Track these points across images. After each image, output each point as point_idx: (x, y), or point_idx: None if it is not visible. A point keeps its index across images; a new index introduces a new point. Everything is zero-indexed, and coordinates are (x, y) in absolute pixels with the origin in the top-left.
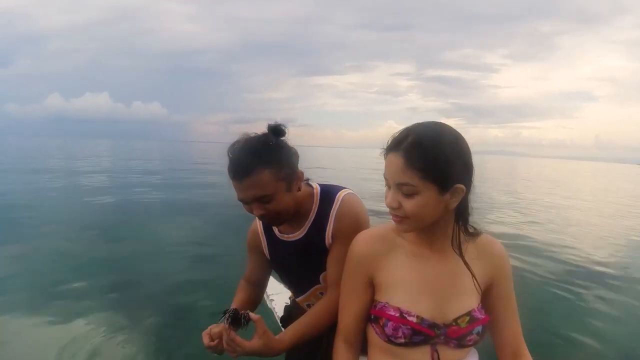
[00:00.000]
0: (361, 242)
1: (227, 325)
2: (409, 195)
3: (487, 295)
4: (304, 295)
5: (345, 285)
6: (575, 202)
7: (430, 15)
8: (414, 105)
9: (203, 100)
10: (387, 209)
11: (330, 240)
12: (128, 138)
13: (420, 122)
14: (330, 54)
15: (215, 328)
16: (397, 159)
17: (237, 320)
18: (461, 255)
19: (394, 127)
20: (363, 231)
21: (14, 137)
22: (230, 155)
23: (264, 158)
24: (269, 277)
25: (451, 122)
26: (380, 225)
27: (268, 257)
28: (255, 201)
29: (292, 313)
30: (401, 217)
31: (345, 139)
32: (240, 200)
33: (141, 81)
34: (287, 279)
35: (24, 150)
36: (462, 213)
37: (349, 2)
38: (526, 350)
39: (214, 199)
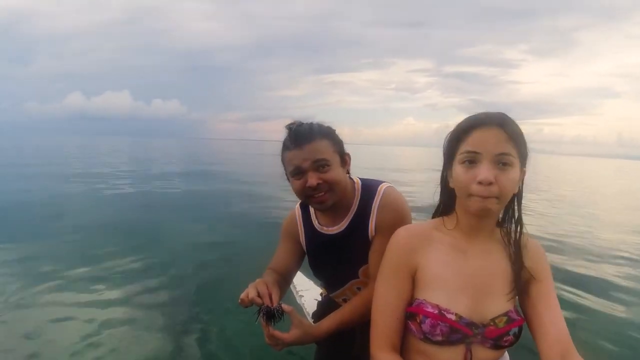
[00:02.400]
0: (402, 236)
1: (264, 322)
2: (506, 167)
3: (527, 294)
4: (340, 290)
5: (384, 282)
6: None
7: (448, 11)
8: (433, 102)
9: (221, 98)
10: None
11: (373, 233)
12: (148, 136)
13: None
14: (347, 51)
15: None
16: (498, 131)
17: (272, 315)
18: (515, 244)
19: (413, 123)
20: (402, 227)
21: (34, 135)
22: (291, 128)
23: (322, 131)
24: (297, 271)
25: None
26: (418, 223)
27: (304, 248)
28: (313, 167)
29: (325, 308)
30: (493, 197)
31: (363, 136)
32: (297, 168)
33: (160, 79)
34: (323, 273)
35: (43, 150)
36: (518, 196)
37: None
38: (575, 350)
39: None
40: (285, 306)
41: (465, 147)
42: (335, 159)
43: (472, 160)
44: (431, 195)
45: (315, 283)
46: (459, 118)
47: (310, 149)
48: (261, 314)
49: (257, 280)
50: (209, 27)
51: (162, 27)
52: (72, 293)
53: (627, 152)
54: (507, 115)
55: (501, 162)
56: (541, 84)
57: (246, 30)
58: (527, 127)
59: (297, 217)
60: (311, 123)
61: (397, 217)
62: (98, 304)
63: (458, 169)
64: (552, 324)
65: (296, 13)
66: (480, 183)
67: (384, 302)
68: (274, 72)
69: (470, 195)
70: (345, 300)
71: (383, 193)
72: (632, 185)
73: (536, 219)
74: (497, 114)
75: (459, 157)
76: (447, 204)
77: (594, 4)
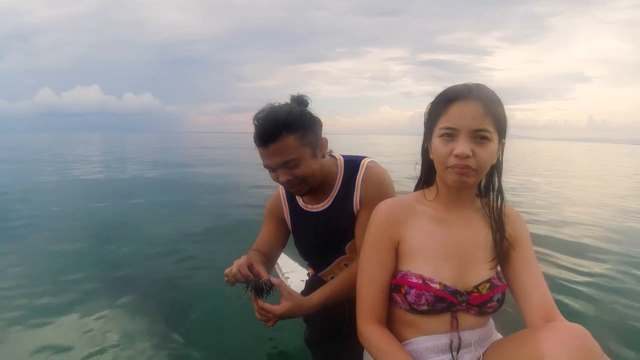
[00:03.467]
0: (383, 209)
1: (253, 296)
2: (483, 142)
3: (508, 261)
4: (328, 268)
5: (368, 256)
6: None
7: (421, 0)
8: (408, 90)
9: (196, 91)
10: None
11: (358, 207)
12: (120, 130)
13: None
14: (323, 41)
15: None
16: (475, 106)
17: (260, 289)
18: (497, 213)
19: (389, 112)
20: (383, 201)
21: (5, 133)
22: (256, 123)
23: (288, 124)
24: (281, 252)
25: None
26: (399, 196)
27: (290, 227)
28: (281, 166)
29: (314, 287)
30: (468, 169)
31: (340, 125)
32: (267, 166)
33: (132, 73)
34: (309, 252)
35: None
36: (497, 169)
37: None
38: (559, 313)
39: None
40: (273, 279)
41: (444, 122)
42: (304, 153)
43: (450, 135)
44: (410, 177)
45: (301, 264)
46: None
47: (276, 148)
48: (249, 288)
49: (242, 257)
50: (182, 18)
51: (133, 19)
52: (31, 296)
53: (598, 135)
54: (485, 88)
55: (478, 137)
56: (515, 70)
57: (220, 21)
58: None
59: (282, 196)
60: (279, 112)
61: (381, 190)
62: (61, 307)
63: (436, 142)
64: (535, 288)
65: (271, 2)
66: (457, 156)
67: (369, 276)
68: (250, 63)
69: (447, 167)
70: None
71: (366, 167)
72: (598, 166)
73: (510, 196)
74: (475, 86)
75: (437, 131)
76: (427, 176)
77: None
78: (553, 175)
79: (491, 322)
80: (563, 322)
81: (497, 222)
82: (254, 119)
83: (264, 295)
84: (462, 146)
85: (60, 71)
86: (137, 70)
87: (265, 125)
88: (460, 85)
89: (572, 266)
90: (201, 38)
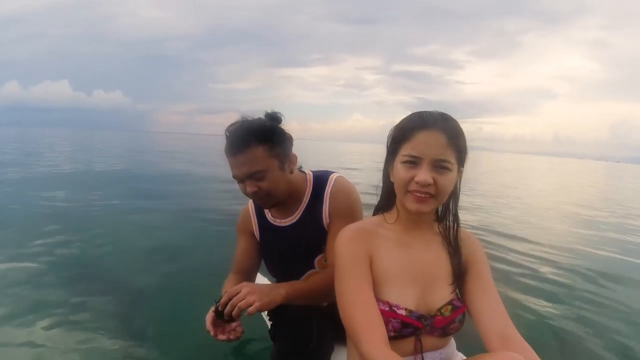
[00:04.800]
0: (352, 230)
1: (216, 307)
2: (444, 171)
3: (465, 282)
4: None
5: (348, 276)
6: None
7: (399, 10)
8: (380, 99)
9: (168, 89)
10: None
11: (328, 220)
12: (89, 127)
13: (429, 110)
14: (298, 46)
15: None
16: (439, 136)
17: (219, 312)
18: (454, 238)
19: (360, 120)
20: (347, 225)
21: None
22: (227, 134)
23: (258, 135)
24: (258, 266)
25: None
26: (359, 221)
27: (258, 241)
28: (248, 177)
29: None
30: (429, 195)
31: (312, 131)
32: (235, 176)
33: (103, 69)
34: (278, 267)
35: None
36: (454, 195)
37: None
38: (515, 331)
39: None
40: (223, 299)
41: (408, 148)
42: (272, 165)
43: (412, 162)
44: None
45: (271, 280)
46: (405, 115)
47: (244, 159)
48: (215, 306)
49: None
50: (157, 14)
51: (107, 13)
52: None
53: (563, 150)
54: (449, 118)
55: (440, 166)
56: (485, 85)
57: (196, 20)
58: (468, 126)
59: (250, 210)
60: (249, 125)
61: (350, 202)
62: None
63: (399, 167)
64: (491, 307)
65: (248, 4)
66: (417, 183)
67: (359, 297)
68: (224, 64)
69: (407, 192)
70: None
71: (334, 181)
72: (561, 180)
73: (470, 211)
74: (439, 115)
75: (400, 156)
76: (388, 198)
77: (537, 9)
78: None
79: (452, 341)
80: (503, 352)
81: (454, 246)
82: (225, 131)
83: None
84: (423, 174)
85: (29, 64)
86: (108, 67)
87: (235, 135)
88: (426, 113)
89: (527, 280)
90: (176, 36)
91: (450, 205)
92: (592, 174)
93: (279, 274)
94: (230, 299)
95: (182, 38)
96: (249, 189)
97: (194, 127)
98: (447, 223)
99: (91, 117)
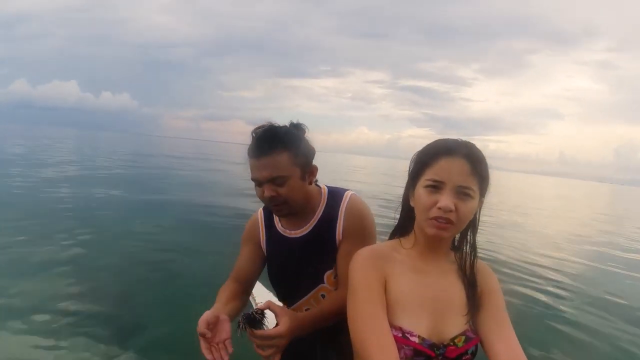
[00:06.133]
0: (367, 252)
1: (249, 330)
2: (466, 199)
3: (478, 314)
4: (304, 299)
5: (363, 299)
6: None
7: (408, 26)
8: (387, 113)
9: (174, 94)
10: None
11: (340, 237)
12: (94, 128)
13: (453, 137)
14: (306, 57)
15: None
16: (463, 163)
17: (254, 320)
18: (470, 268)
19: (366, 133)
20: (362, 248)
21: None
22: (254, 135)
23: (285, 141)
24: (258, 276)
25: (422, 132)
26: (375, 245)
27: (265, 252)
28: (268, 181)
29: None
30: (449, 223)
31: (317, 141)
32: (255, 179)
33: (111, 71)
34: (284, 281)
35: None
36: (473, 224)
37: (329, 6)
38: None
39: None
40: (261, 305)
41: (431, 173)
42: (294, 173)
43: (435, 187)
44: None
45: (280, 292)
46: (411, 130)
47: (267, 162)
48: (242, 324)
49: (205, 313)
50: (166, 20)
51: (117, 17)
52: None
53: (568, 170)
54: (473, 146)
55: (462, 193)
56: (491, 103)
57: (204, 27)
58: (474, 143)
59: (259, 219)
60: (277, 129)
61: (364, 223)
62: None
63: (421, 191)
64: (505, 341)
65: (257, 14)
66: (440, 209)
67: (373, 320)
68: (230, 72)
69: (428, 218)
70: (308, 310)
71: (350, 199)
72: (568, 201)
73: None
74: (464, 144)
75: (423, 181)
76: (405, 223)
77: (546, 30)
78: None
79: None
80: None
81: (470, 276)
82: (252, 132)
83: (260, 326)
84: (446, 200)
85: (38, 63)
86: (117, 70)
87: (262, 138)
88: (451, 140)
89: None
90: (184, 42)
91: (468, 235)
92: (613, 199)
93: (285, 287)
94: (259, 310)
95: (190, 45)
96: (267, 193)
97: (199, 132)
98: (464, 252)
99: (98, 118)
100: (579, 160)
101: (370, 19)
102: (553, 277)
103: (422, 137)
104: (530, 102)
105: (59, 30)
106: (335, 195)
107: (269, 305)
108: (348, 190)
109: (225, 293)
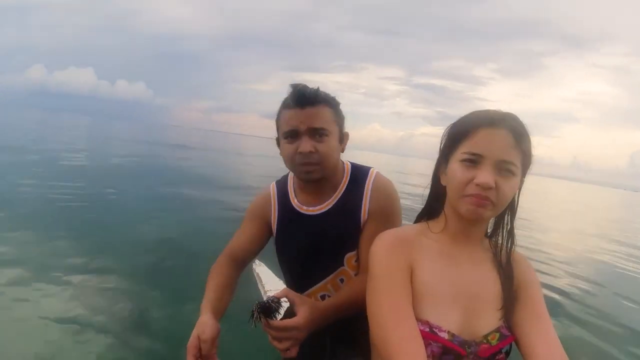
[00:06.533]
0: (389, 238)
1: (265, 320)
2: (508, 175)
3: (514, 309)
4: (320, 283)
5: (385, 289)
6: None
7: (424, 24)
8: (400, 110)
9: (189, 85)
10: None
11: (366, 217)
12: (110, 117)
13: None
14: (321, 52)
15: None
16: (507, 136)
17: (270, 309)
18: (507, 257)
19: (378, 129)
20: (385, 231)
21: None
22: (296, 86)
23: (328, 98)
24: (254, 258)
25: (435, 131)
26: (400, 228)
27: (274, 231)
28: (309, 133)
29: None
30: (489, 201)
31: None
32: (292, 130)
33: (127, 60)
34: (299, 263)
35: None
36: (511, 206)
37: (344, 2)
38: None
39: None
40: (277, 293)
41: (469, 146)
42: (334, 131)
43: (473, 161)
44: None
45: (292, 277)
46: (424, 128)
47: (312, 112)
48: (256, 313)
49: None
50: (182, 12)
51: (133, 7)
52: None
53: (581, 175)
54: (519, 119)
55: (504, 169)
56: (506, 103)
57: (219, 20)
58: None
59: (272, 195)
60: (318, 88)
61: (392, 203)
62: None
63: (455, 166)
64: (545, 340)
65: (272, 9)
66: (478, 185)
67: (397, 311)
68: (244, 65)
69: (464, 196)
70: (324, 297)
71: (375, 177)
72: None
73: None
74: (509, 115)
75: (459, 154)
76: (434, 205)
77: (563, 32)
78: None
79: None
80: None
81: (506, 268)
82: (290, 85)
83: (276, 315)
84: (486, 175)
85: (55, 50)
86: (132, 59)
87: (306, 89)
88: (492, 110)
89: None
90: (198, 35)
91: (506, 219)
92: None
93: (299, 271)
94: (275, 299)
95: (203, 37)
96: (304, 147)
97: (211, 124)
98: (501, 240)
99: (113, 106)
100: (592, 165)
101: (386, 16)
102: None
103: (435, 135)
104: (544, 105)
105: (76, 18)
106: (359, 171)
107: (287, 294)
108: (372, 167)
109: (220, 278)
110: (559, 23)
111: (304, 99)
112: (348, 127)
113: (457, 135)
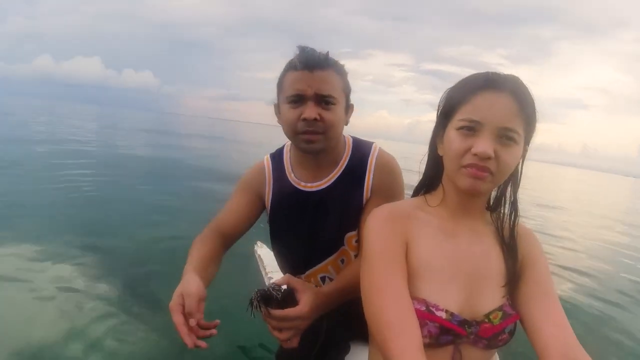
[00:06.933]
0: (386, 212)
1: (265, 310)
2: (509, 144)
3: (518, 286)
4: (320, 265)
5: (378, 267)
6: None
7: (432, 10)
8: (408, 98)
9: (196, 74)
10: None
11: (369, 194)
12: (117, 106)
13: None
14: (328, 38)
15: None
16: (507, 100)
17: (270, 297)
18: (510, 231)
19: (385, 117)
20: (380, 206)
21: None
22: (304, 48)
23: (338, 64)
24: (241, 235)
25: None
26: (395, 202)
27: (268, 208)
28: (316, 99)
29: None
30: (487, 172)
31: None
32: (298, 95)
33: (134, 48)
34: (295, 243)
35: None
36: (514, 178)
37: None
38: (583, 351)
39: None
40: (278, 280)
41: (466, 112)
42: (341, 100)
43: (471, 128)
44: None
45: (289, 259)
46: (431, 115)
47: (320, 76)
48: (256, 302)
49: (183, 287)
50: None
51: None
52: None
53: (590, 163)
54: (521, 82)
55: (505, 137)
56: None
57: (227, 7)
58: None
59: (266, 168)
60: (328, 52)
61: (396, 180)
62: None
63: (452, 135)
64: (552, 319)
65: None
66: (475, 155)
67: (392, 292)
68: (252, 53)
69: (461, 167)
70: (324, 280)
71: (379, 152)
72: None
73: None
74: (511, 77)
75: (456, 121)
76: (432, 176)
77: (574, 18)
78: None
79: (496, 356)
80: None
81: (510, 242)
82: (298, 46)
83: (277, 303)
84: (484, 144)
85: (62, 39)
86: (139, 47)
87: (316, 52)
88: (492, 72)
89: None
90: (205, 22)
91: (509, 191)
92: None
93: (296, 252)
94: (276, 286)
95: (211, 25)
96: (309, 114)
97: (219, 112)
98: (503, 212)
99: (120, 95)
100: (602, 153)
101: (395, 1)
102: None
103: None
104: (554, 91)
105: (83, 7)
106: (361, 146)
107: (288, 281)
108: (374, 142)
109: (205, 249)
110: (570, 8)
111: (313, 62)
112: (355, 114)
113: (454, 100)
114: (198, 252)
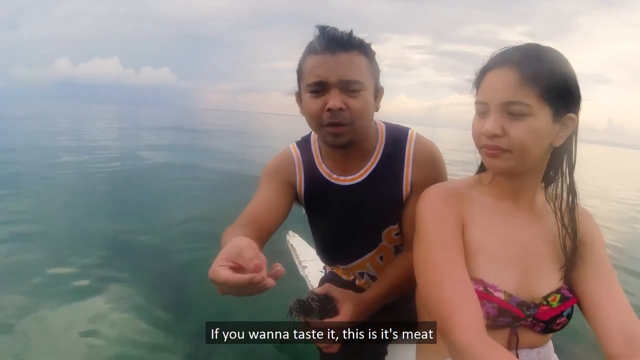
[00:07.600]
0: (440, 190)
1: (304, 319)
2: (518, 118)
3: (576, 269)
4: (357, 262)
5: (435, 245)
6: None
7: None
8: (427, 80)
9: (212, 68)
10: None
11: (409, 188)
12: (136, 104)
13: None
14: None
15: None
16: (509, 74)
17: (309, 308)
18: (569, 211)
19: (405, 101)
20: (431, 188)
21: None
22: (324, 28)
23: (364, 44)
24: (276, 229)
25: (464, 99)
26: (446, 182)
27: (302, 198)
28: (340, 86)
29: (332, 305)
30: (500, 150)
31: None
32: (320, 82)
33: (151, 46)
34: (332, 239)
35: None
36: (567, 155)
37: None
38: None
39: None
40: (317, 290)
41: (479, 95)
42: (369, 85)
43: (482, 111)
44: None
45: (327, 253)
46: (452, 97)
47: (344, 60)
48: (295, 313)
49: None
50: None
51: None
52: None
53: (616, 139)
54: (536, 49)
55: (509, 112)
56: None
57: (240, 0)
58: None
59: (295, 158)
60: (351, 31)
61: (439, 170)
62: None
63: (473, 119)
64: (613, 301)
65: None
66: (483, 135)
67: (446, 267)
68: (267, 44)
69: (481, 148)
70: (362, 275)
71: (416, 141)
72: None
73: None
74: (521, 47)
75: (475, 106)
76: None
77: None
78: None
79: (550, 341)
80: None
81: (570, 223)
82: (317, 27)
83: (316, 314)
84: (488, 123)
85: (79, 42)
86: (156, 45)
87: (337, 32)
88: (510, 48)
89: None
90: (220, 15)
91: (564, 168)
92: None
93: (334, 249)
94: (314, 296)
95: (225, 18)
96: (334, 102)
97: (237, 105)
98: (560, 192)
99: (139, 93)
100: (629, 129)
101: None
102: None
103: (464, 104)
104: (576, 66)
105: (97, 8)
106: (396, 133)
107: (328, 290)
108: (410, 128)
109: (242, 232)
110: None
111: (335, 43)
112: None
113: (474, 84)
114: (234, 235)
